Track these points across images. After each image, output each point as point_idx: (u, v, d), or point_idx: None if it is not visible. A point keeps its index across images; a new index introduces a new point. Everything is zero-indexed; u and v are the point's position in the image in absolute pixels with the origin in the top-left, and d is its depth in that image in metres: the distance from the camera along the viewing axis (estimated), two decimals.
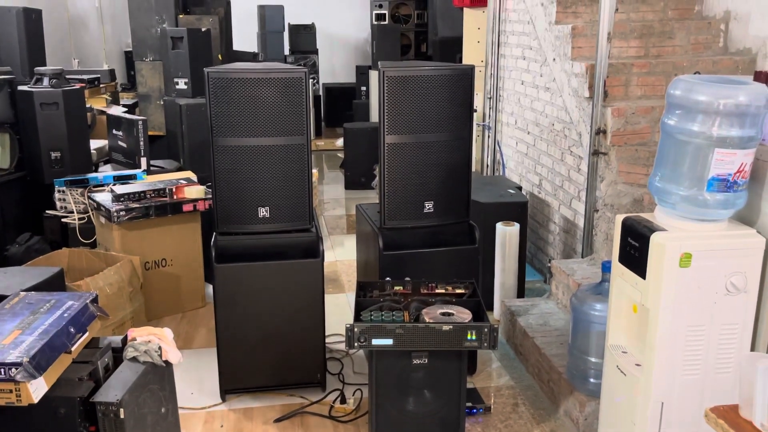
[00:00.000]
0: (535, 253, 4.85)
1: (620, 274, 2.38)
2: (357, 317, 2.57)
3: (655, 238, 2.17)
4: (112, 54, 9.34)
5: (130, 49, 9.50)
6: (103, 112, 5.78)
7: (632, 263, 2.29)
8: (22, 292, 2.67)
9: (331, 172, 8.21)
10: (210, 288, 4.14)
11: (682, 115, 2.15)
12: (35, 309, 2.50)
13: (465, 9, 6.23)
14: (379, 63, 3.06)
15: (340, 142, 8.42)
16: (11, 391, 2.16)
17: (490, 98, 5.60)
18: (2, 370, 2.13)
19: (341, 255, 5.23)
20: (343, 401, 3.14)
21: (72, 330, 2.42)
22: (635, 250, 2.26)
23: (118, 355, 2.62)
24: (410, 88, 3.00)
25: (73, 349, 2.41)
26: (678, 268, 2.14)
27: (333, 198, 6.95)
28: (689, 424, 2.26)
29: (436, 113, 3.06)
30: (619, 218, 2.37)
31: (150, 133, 5.30)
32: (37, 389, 2.19)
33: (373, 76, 8.30)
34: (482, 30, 5.92)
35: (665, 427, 2.27)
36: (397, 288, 2.83)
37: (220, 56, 6.42)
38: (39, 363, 2.19)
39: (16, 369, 2.13)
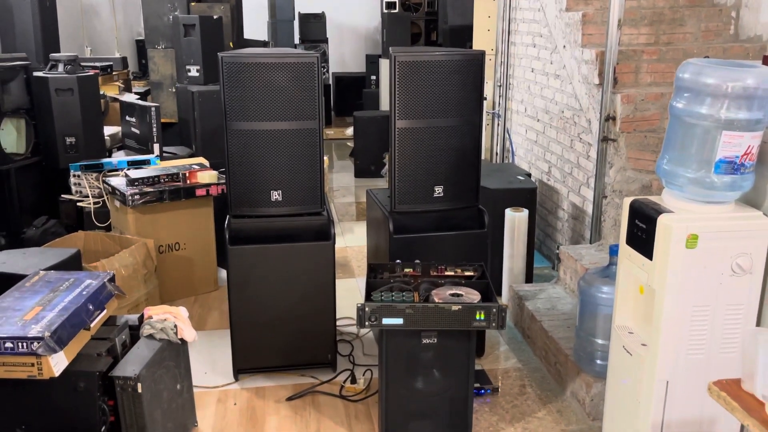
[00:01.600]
0: (544, 239, 4.88)
1: (627, 255, 2.42)
2: (368, 297, 2.62)
3: (662, 220, 2.21)
4: (123, 42, 9.40)
5: (142, 38, 9.56)
6: (115, 99, 5.84)
7: (639, 245, 2.33)
8: (41, 271, 2.74)
9: (340, 161, 8.25)
10: (222, 272, 4.22)
11: (691, 97, 2.17)
12: (55, 287, 2.57)
13: None
14: (390, 49, 3.09)
15: (349, 131, 8.46)
16: (33, 365, 2.23)
17: (500, 86, 5.62)
18: (24, 344, 2.20)
19: (351, 241, 5.28)
20: (354, 381, 3.20)
21: (91, 307, 2.49)
22: (642, 232, 2.30)
23: (134, 332, 2.69)
24: (421, 74, 3.04)
25: (92, 325, 2.48)
26: (685, 249, 2.17)
27: (343, 186, 7.00)
28: (694, 403, 2.30)
29: (446, 98, 3.09)
30: (627, 201, 2.40)
31: (162, 120, 5.36)
32: (57, 363, 2.26)
33: (384, 64, 8.32)
34: (492, 18, 5.93)
35: (670, 406, 2.31)
36: (407, 270, 2.88)
37: (231, 44, 6.45)
38: (60, 338, 2.26)
39: (38, 343, 2.20)
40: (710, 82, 2.11)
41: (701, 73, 2.14)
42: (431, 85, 3.06)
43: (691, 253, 2.18)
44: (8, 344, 2.20)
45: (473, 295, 2.61)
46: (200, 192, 4.04)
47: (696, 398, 2.28)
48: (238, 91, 2.98)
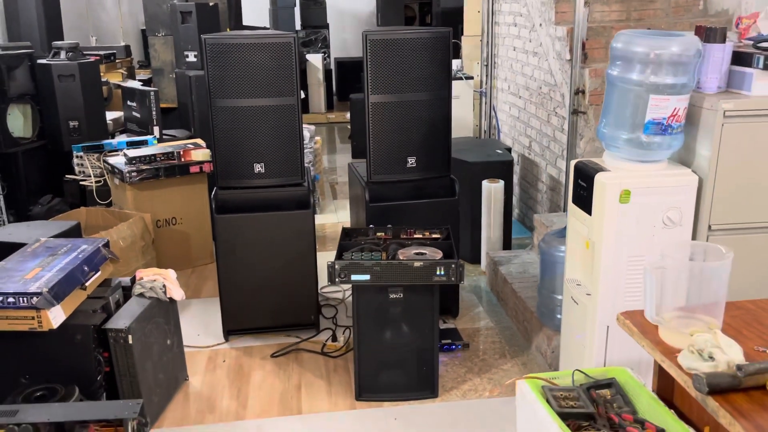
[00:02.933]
0: (526, 212, 5.09)
1: (573, 213, 2.63)
2: (339, 257, 2.85)
3: (599, 178, 2.41)
4: (128, 32, 9.64)
5: (145, 27, 9.82)
6: (119, 86, 6.09)
7: (582, 202, 2.54)
8: (42, 239, 2.99)
9: (342, 144, 8.47)
10: None
11: (623, 65, 2.37)
12: (54, 252, 2.82)
13: None
14: (363, 30, 3.30)
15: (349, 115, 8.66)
16: (33, 318, 2.49)
17: (486, 65, 5.81)
18: (25, 298, 2.46)
19: (344, 217, 5.51)
20: (335, 340, 3.44)
21: (86, 268, 2.74)
22: (584, 191, 2.51)
23: (127, 293, 2.94)
24: (391, 51, 3.25)
25: (87, 285, 2.73)
26: (618, 204, 2.38)
27: (342, 166, 7.23)
28: (632, 346, 2.50)
29: (416, 74, 3.30)
30: (572, 163, 2.61)
31: (163, 105, 5.60)
32: (56, 317, 2.51)
33: None
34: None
35: (611, 348, 2.53)
36: (379, 234, 3.11)
37: (228, 29, 6.67)
38: (57, 293, 2.51)
39: (37, 298, 2.45)
40: (638, 50, 2.31)
41: (631, 42, 2.34)
42: (401, 62, 3.27)
43: (625, 207, 2.39)
44: (11, 299, 2.46)
45: (436, 254, 2.83)
46: (194, 169, 4.29)
47: (633, 341, 2.49)
48: (221, 71, 3.21)
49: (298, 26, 10.42)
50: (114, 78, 6.51)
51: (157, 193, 4.22)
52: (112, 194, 4.44)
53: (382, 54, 3.25)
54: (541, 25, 4.56)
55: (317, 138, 5.66)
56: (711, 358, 1.55)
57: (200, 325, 3.66)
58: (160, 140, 4.94)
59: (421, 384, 2.96)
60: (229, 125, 3.28)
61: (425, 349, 2.92)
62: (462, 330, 3.53)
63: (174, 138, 5.31)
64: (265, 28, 8.55)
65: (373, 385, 2.96)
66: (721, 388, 1.48)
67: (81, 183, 4.57)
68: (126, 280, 2.97)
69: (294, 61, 3.26)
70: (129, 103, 5.43)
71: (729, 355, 1.53)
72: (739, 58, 2.43)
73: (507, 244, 4.35)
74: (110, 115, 5.47)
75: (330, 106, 10.13)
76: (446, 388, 3.04)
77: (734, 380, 1.48)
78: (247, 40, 3.21)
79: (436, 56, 3.31)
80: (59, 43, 4.96)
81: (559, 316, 3.11)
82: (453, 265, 2.72)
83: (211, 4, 6.04)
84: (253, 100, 3.26)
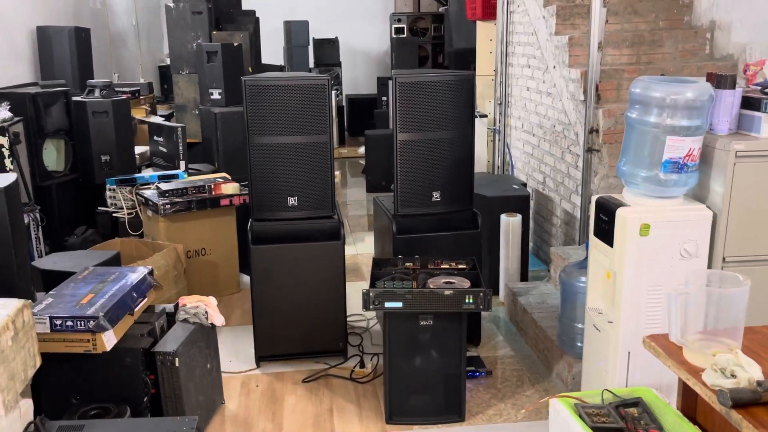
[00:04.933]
0: (541, 245, 5.26)
1: (595, 245, 2.80)
2: (372, 285, 3.01)
3: (620, 212, 2.59)
4: (147, 69, 9.94)
5: (164, 64, 10.13)
6: (143, 122, 6.33)
7: (604, 235, 2.71)
8: (91, 267, 3.17)
9: (353, 178, 8.68)
10: (244, 276, 4.65)
11: (641, 108, 2.57)
12: (103, 279, 2.99)
13: (478, 22, 6.69)
14: (392, 71, 3.52)
15: (362, 150, 8.90)
16: (89, 341, 2.65)
17: (500, 104, 6.04)
18: (82, 322, 2.62)
19: (362, 249, 5.68)
20: (362, 366, 3.59)
21: (135, 295, 2.91)
22: (605, 224, 2.69)
23: (171, 319, 3.10)
24: (419, 92, 3.46)
25: (135, 310, 2.89)
26: (639, 236, 2.56)
27: (355, 200, 7.43)
28: (653, 371, 2.65)
29: (442, 114, 3.50)
30: (593, 198, 2.79)
31: (186, 140, 5.82)
32: (109, 340, 2.67)
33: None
34: (494, 41, 6.36)
35: (632, 373, 2.68)
36: (407, 264, 3.28)
37: (250, 69, 6.93)
38: (111, 318, 2.67)
39: (93, 321, 2.62)
40: (656, 95, 2.51)
41: (649, 87, 2.54)
42: (428, 102, 3.47)
43: (645, 240, 2.56)
44: (69, 323, 2.62)
45: (464, 283, 3.00)
46: (224, 202, 4.48)
47: (654, 366, 2.63)
48: (259, 110, 3.42)
49: (311, 64, 10.72)
50: (138, 114, 6.74)
51: (188, 225, 4.41)
52: (143, 225, 4.62)
53: (410, 95, 3.46)
54: (555, 67, 4.79)
55: (337, 173, 5.85)
56: (733, 375, 1.71)
57: (231, 352, 3.80)
58: (187, 173, 5.14)
59: (449, 408, 3.10)
60: (266, 161, 3.48)
61: (453, 375, 3.07)
62: (484, 358, 3.67)
63: (199, 172, 5.51)
64: (281, 67, 8.83)
65: (402, 409, 3.10)
66: (744, 402, 1.64)
67: (113, 215, 4.76)
68: (169, 307, 3.14)
69: (327, 101, 3.47)
70: (156, 138, 5.65)
71: (749, 372, 1.69)
72: (749, 103, 2.63)
73: (524, 276, 4.51)
74: (136, 150, 5.68)
75: (342, 141, 10.38)
76: (472, 413, 3.18)
77: (755, 395, 1.64)
78: (284, 82, 3.42)
79: (461, 97, 3.52)
80: (93, 81, 5.20)
81: (579, 344, 3.26)
82: (481, 294, 2.88)
83: (235, 44, 6.31)
84: (289, 138, 3.46)
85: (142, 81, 8.71)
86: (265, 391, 3.42)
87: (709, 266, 2.62)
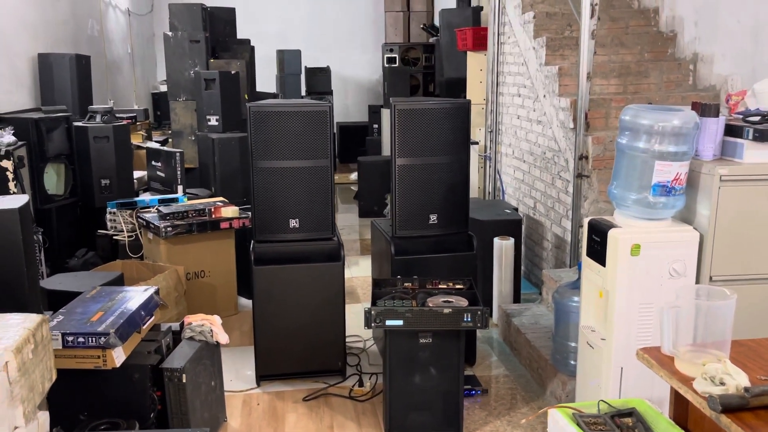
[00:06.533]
0: (532, 268, 5.38)
1: (588, 265, 2.92)
2: (373, 304, 3.11)
3: (611, 233, 2.72)
4: (140, 95, 10.07)
5: (157, 91, 10.26)
6: (139, 147, 6.43)
7: (596, 255, 2.84)
8: (98, 287, 3.24)
9: (344, 204, 8.80)
10: (242, 299, 4.74)
11: (631, 135, 2.72)
12: (112, 297, 3.08)
13: (468, 52, 6.88)
14: (390, 99, 3.66)
15: (353, 176, 9.04)
16: (99, 357, 2.72)
17: (491, 132, 6.20)
18: (93, 338, 2.70)
19: (356, 272, 5.77)
20: (361, 384, 3.67)
21: (143, 313, 2.99)
22: (598, 245, 2.81)
23: (176, 337, 3.18)
24: (417, 119, 3.60)
25: (143, 328, 2.97)
26: (630, 256, 2.68)
27: (348, 225, 7.53)
28: (645, 385, 2.76)
29: (438, 140, 3.64)
30: (586, 220, 2.92)
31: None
32: (118, 356, 2.75)
33: (385, 114, 8.99)
34: (484, 71, 6.55)
35: (625, 388, 2.78)
36: (406, 284, 3.38)
37: (246, 96, 7.08)
38: (121, 335, 2.75)
39: (104, 338, 2.69)
40: (645, 123, 2.66)
41: (638, 115, 2.69)
42: (425, 129, 3.61)
43: (636, 260, 2.69)
44: (80, 339, 2.70)
45: (462, 302, 3.10)
46: (224, 225, 4.57)
47: (646, 381, 2.75)
48: (262, 135, 3.54)
49: (303, 92, 10.90)
50: (135, 139, 6.84)
51: (188, 248, 4.49)
52: (144, 248, 4.70)
53: (408, 122, 3.59)
54: (545, 96, 4.97)
55: None
56: (722, 383, 1.82)
57: (232, 372, 3.87)
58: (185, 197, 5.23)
59: (447, 425, 3.19)
60: (268, 184, 3.59)
61: (451, 392, 3.16)
62: (479, 377, 3.77)
63: (197, 196, 5.61)
64: (275, 95, 8.99)
65: (402, 426, 3.18)
66: (732, 407, 1.75)
67: (113, 237, 4.83)
68: (175, 325, 3.22)
69: (328, 127, 3.60)
70: (153, 162, 5.75)
71: (737, 380, 1.81)
72: (732, 130, 2.78)
73: (516, 298, 4.62)
74: (134, 174, 5.77)
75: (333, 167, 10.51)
76: (469, 430, 3.26)
77: (743, 400, 1.75)
78: (287, 108, 3.55)
79: (457, 124, 3.67)
80: (95, 107, 5.31)
81: (572, 362, 3.36)
82: (479, 312, 2.99)
83: (233, 72, 6.45)
84: (291, 162, 3.58)
85: (136, 107, 8.84)
86: (266, 409, 3.49)
87: (697, 284, 2.75)
